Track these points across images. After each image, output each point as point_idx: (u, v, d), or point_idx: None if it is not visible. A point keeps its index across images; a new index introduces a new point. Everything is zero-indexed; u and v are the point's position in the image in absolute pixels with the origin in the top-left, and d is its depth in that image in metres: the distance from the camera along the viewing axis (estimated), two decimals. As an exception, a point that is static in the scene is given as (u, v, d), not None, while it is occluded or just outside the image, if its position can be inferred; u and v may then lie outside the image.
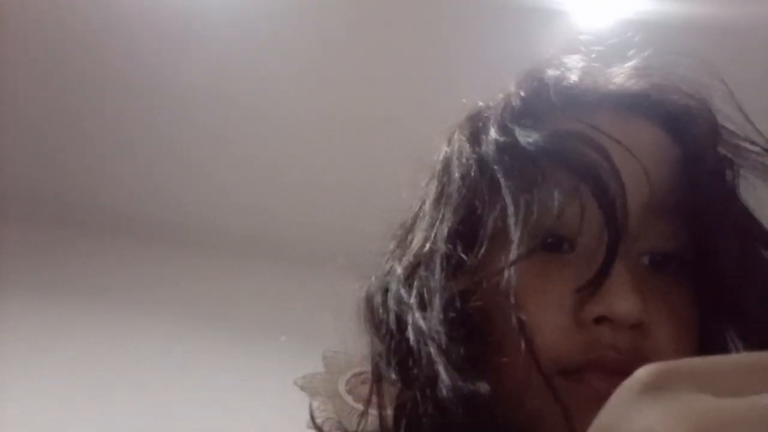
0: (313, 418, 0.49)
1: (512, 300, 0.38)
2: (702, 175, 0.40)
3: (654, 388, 0.21)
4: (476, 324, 0.40)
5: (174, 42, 1.84)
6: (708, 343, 0.41)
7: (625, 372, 0.34)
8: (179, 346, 2.05)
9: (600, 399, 0.33)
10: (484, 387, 0.37)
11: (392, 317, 0.43)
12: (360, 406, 0.46)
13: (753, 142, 0.42)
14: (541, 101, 0.43)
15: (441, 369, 0.38)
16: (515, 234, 0.39)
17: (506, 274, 0.38)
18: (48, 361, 1.95)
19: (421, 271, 0.43)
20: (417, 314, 0.41)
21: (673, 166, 0.40)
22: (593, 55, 0.47)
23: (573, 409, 0.36)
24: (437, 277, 0.41)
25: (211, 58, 1.87)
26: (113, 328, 2.06)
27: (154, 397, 1.91)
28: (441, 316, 0.40)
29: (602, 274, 0.37)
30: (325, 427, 0.47)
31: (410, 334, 0.41)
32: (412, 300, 0.42)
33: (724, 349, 0.41)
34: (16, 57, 1.92)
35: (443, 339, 0.39)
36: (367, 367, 0.45)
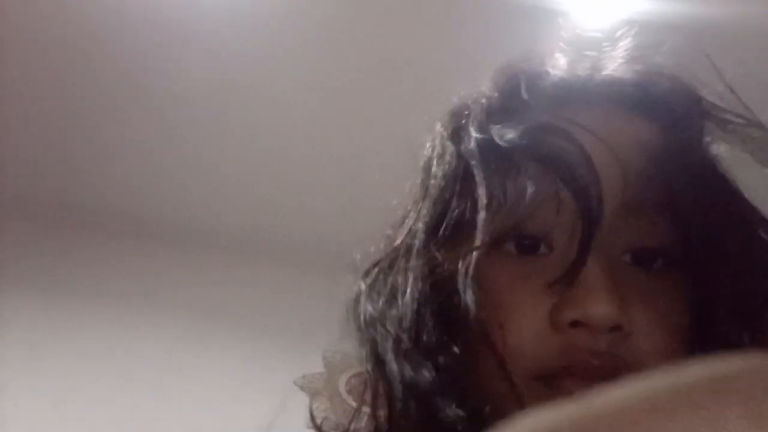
0: (312, 417, 0.49)
1: (470, 285, 0.37)
2: (686, 164, 0.38)
3: None
4: (447, 322, 0.39)
5: (176, 41, 1.84)
6: (707, 337, 0.39)
7: (603, 377, 0.35)
8: (179, 345, 2.05)
9: None
10: (426, 376, 0.37)
11: (364, 317, 0.43)
12: (359, 406, 0.46)
13: (740, 116, 0.41)
14: (513, 98, 0.43)
15: (389, 358, 0.38)
16: (482, 221, 0.38)
17: (467, 259, 0.37)
18: (48, 361, 1.95)
19: (399, 264, 0.42)
20: (377, 306, 0.41)
21: (655, 155, 0.38)
22: (578, 50, 0.46)
23: None
24: (416, 273, 0.41)
25: (212, 58, 1.87)
26: (113, 328, 2.06)
27: (153, 397, 1.91)
28: (406, 309, 0.39)
29: (575, 267, 0.36)
30: (324, 427, 0.47)
31: (377, 329, 0.41)
32: (383, 297, 0.41)
33: (726, 344, 0.39)
34: (17, 57, 1.92)
35: (394, 330, 0.39)
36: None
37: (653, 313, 0.37)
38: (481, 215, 0.38)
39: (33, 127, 2.11)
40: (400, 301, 0.40)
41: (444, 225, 0.41)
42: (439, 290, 0.39)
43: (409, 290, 0.40)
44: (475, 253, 0.38)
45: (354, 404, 0.45)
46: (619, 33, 0.45)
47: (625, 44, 0.44)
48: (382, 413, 0.42)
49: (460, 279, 0.37)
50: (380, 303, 0.41)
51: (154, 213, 2.26)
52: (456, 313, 0.38)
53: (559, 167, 0.38)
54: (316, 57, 1.84)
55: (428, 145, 0.47)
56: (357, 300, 0.45)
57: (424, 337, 0.38)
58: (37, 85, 2.00)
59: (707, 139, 0.41)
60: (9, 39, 1.88)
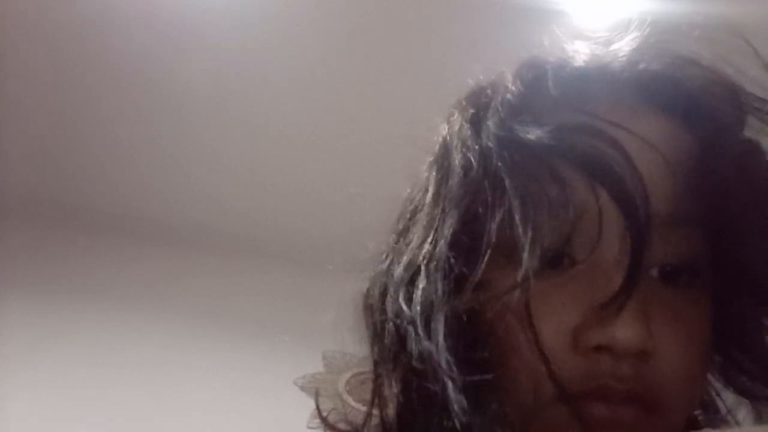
0: (319, 410, 0.48)
1: (526, 318, 0.34)
2: (724, 172, 0.35)
3: None
4: (481, 345, 0.36)
5: (173, 45, 1.84)
6: (731, 350, 0.39)
7: (626, 401, 0.34)
8: (179, 346, 2.05)
9: (602, 427, 0.34)
10: (497, 411, 0.35)
11: (391, 327, 0.39)
12: (360, 406, 0.46)
13: None
14: (539, 94, 0.38)
15: (451, 395, 0.34)
16: (525, 244, 0.34)
17: (516, 292, 0.34)
18: (48, 361, 1.94)
19: (421, 282, 0.38)
20: (420, 332, 0.37)
21: (690, 163, 0.35)
22: (598, 40, 0.42)
23: None
24: (439, 293, 0.37)
25: (208, 62, 1.87)
26: (113, 328, 2.06)
27: (153, 397, 1.91)
28: (445, 341, 0.36)
29: (627, 290, 0.33)
30: (330, 419, 0.46)
31: (413, 352, 0.37)
32: (413, 314, 0.38)
33: (750, 356, 0.38)
34: (16, 58, 1.92)
35: (451, 366, 0.35)
36: (367, 367, 0.44)
37: (678, 331, 0.35)
38: (520, 233, 0.34)
39: (33, 127, 2.11)
40: (435, 331, 0.37)
41: (472, 234, 0.37)
42: (474, 317, 0.36)
43: (441, 317, 0.36)
44: (526, 283, 0.34)
45: (354, 404, 0.45)
46: (632, 27, 0.42)
47: (648, 34, 0.41)
48: (390, 412, 0.41)
49: (510, 312, 0.35)
50: (416, 326, 0.38)
51: (154, 213, 2.26)
52: (493, 340, 0.36)
53: (605, 178, 0.34)
54: (317, 57, 1.84)
55: (444, 130, 0.43)
56: (370, 302, 0.43)
57: (472, 372, 0.35)
58: (38, 85, 2.00)
59: (746, 135, 0.37)
60: (9, 39, 1.88)
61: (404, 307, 0.39)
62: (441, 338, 0.36)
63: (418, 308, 0.37)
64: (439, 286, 0.37)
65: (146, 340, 2.04)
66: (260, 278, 2.19)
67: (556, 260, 0.35)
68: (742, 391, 0.40)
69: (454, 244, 0.37)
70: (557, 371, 0.34)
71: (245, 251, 2.21)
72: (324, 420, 0.46)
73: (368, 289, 0.44)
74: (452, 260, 0.37)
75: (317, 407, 0.48)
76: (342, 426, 0.45)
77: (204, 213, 2.26)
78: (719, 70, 0.38)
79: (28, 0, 1.80)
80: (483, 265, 0.36)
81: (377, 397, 0.43)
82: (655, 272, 0.35)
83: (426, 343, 0.36)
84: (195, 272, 2.20)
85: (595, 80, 0.38)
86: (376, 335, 0.42)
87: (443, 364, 0.35)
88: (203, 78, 1.90)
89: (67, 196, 2.25)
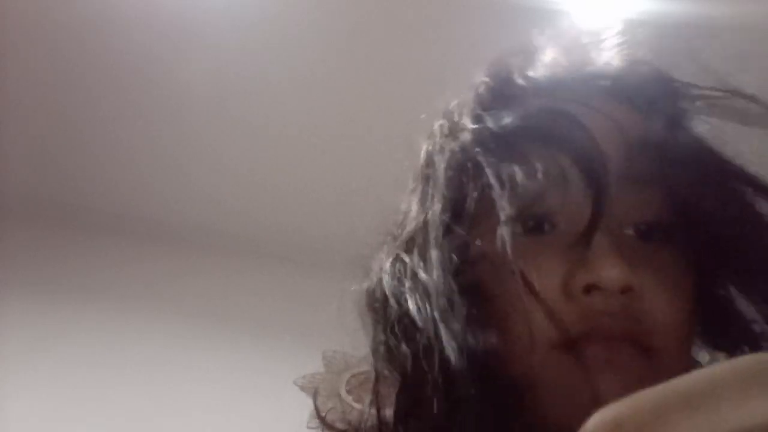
0: (318, 410, 0.49)
1: (510, 257, 0.38)
2: (670, 142, 0.41)
3: None
4: (474, 291, 0.40)
5: (173, 45, 1.84)
6: (710, 307, 0.42)
7: (621, 337, 0.38)
8: (179, 346, 2.05)
9: (600, 368, 0.37)
10: (490, 340, 0.38)
11: (391, 292, 0.43)
12: (360, 406, 0.46)
13: (716, 89, 0.43)
14: (508, 86, 0.45)
15: (443, 326, 0.38)
16: (501, 199, 0.39)
17: (499, 233, 0.38)
18: (48, 361, 1.95)
19: (418, 240, 0.44)
20: (419, 272, 0.41)
21: (642, 136, 0.41)
22: (565, 46, 0.48)
23: (574, 380, 0.37)
24: (432, 239, 0.42)
25: (208, 62, 1.87)
26: (113, 328, 2.06)
27: (153, 397, 1.91)
28: (441, 275, 0.40)
29: (590, 229, 0.38)
30: (329, 418, 0.47)
31: (410, 299, 0.41)
32: (411, 263, 0.42)
33: (727, 312, 0.42)
34: (16, 58, 1.92)
35: (444, 293, 0.39)
36: (367, 367, 0.45)
37: (661, 279, 0.39)
38: (497, 195, 0.39)
39: (33, 127, 2.11)
40: (426, 279, 0.41)
41: (459, 206, 0.42)
42: (467, 266, 0.40)
43: (435, 270, 0.41)
44: (506, 228, 0.38)
45: (353, 404, 0.46)
46: (607, 33, 0.47)
47: (611, 42, 0.46)
48: (387, 413, 0.42)
49: (498, 259, 0.39)
50: (405, 285, 0.42)
51: (154, 213, 2.26)
52: (483, 288, 0.40)
53: (568, 148, 0.40)
54: (317, 57, 1.84)
55: (426, 145, 0.49)
56: (371, 292, 0.46)
57: (455, 310, 0.39)
58: (38, 85, 2.00)
59: (690, 117, 0.44)
60: (9, 39, 1.88)
61: (399, 267, 0.43)
62: (437, 272, 0.40)
63: (416, 256, 0.43)
64: (432, 236, 0.42)
65: (146, 340, 2.04)
66: (260, 278, 2.19)
67: (538, 226, 0.40)
68: (717, 347, 0.44)
69: (443, 212, 0.43)
70: (557, 315, 0.37)
71: (245, 251, 2.21)
72: (322, 420, 0.47)
73: (369, 286, 0.47)
74: (443, 220, 0.42)
75: (315, 407, 0.49)
76: (340, 425, 0.46)
77: (204, 213, 2.26)
78: (657, 67, 0.45)
79: (28, 0, 1.80)
80: (472, 215, 0.41)
81: (376, 396, 0.43)
82: (630, 231, 0.40)
83: (423, 274, 0.41)
84: (195, 272, 2.20)
85: (553, 78, 0.44)
86: (377, 314, 0.45)
87: (436, 289, 0.39)
88: (203, 78, 1.90)
89: (67, 196, 2.25)
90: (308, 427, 0.49)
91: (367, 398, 0.44)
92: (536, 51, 0.47)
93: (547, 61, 0.46)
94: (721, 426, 0.19)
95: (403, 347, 0.41)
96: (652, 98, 0.43)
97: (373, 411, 0.43)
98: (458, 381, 0.37)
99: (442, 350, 0.38)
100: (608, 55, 0.46)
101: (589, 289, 0.37)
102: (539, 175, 0.39)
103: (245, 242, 2.23)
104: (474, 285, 0.40)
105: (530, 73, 0.44)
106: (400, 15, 1.73)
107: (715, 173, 0.41)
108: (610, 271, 0.37)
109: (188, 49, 1.85)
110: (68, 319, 2.05)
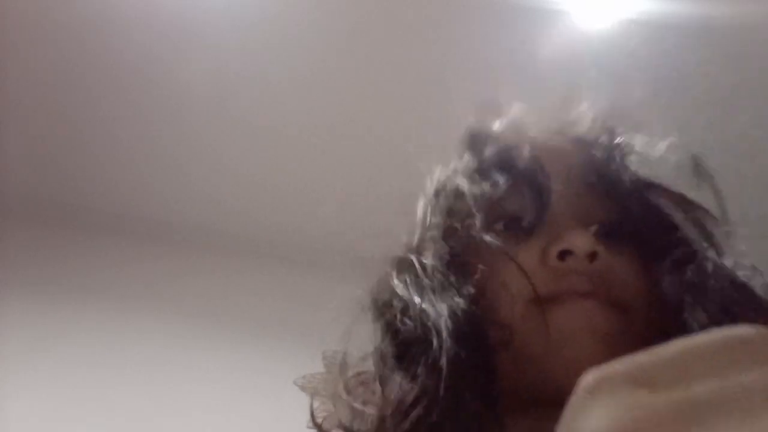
0: (313, 416, 0.50)
1: (486, 239, 0.48)
2: (602, 169, 0.52)
3: (597, 391, 0.22)
4: (465, 270, 0.48)
5: (173, 45, 1.84)
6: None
7: (593, 294, 0.46)
8: (179, 346, 2.05)
9: (572, 318, 0.45)
10: (467, 290, 0.47)
11: (396, 289, 0.50)
12: (360, 406, 0.46)
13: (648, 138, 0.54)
14: (482, 144, 0.57)
15: (438, 298, 0.46)
16: (478, 209, 0.50)
17: (477, 225, 0.49)
18: (48, 361, 1.95)
19: (419, 241, 0.54)
20: (418, 267, 0.50)
21: (581, 165, 0.52)
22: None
23: (554, 327, 0.44)
24: (430, 239, 0.52)
25: (208, 62, 1.87)
26: (113, 328, 2.06)
27: (153, 397, 1.91)
28: (438, 262, 0.50)
29: (540, 213, 0.48)
30: (325, 425, 0.48)
31: (413, 293, 0.49)
32: (412, 275, 0.51)
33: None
34: (16, 58, 1.92)
35: (439, 272, 0.49)
36: (367, 367, 0.45)
37: (622, 259, 0.47)
38: (474, 207, 0.50)
39: (33, 127, 2.11)
40: (430, 256, 0.51)
41: (455, 216, 0.53)
42: (458, 252, 0.50)
43: (434, 251, 0.51)
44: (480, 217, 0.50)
45: (354, 404, 0.47)
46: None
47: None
48: (387, 412, 0.44)
49: (483, 246, 0.48)
50: (411, 278, 0.50)
51: (154, 213, 2.26)
52: (470, 266, 0.48)
53: (518, 170, 0.51)
54: (317, 57, 1.84)
55: (432, 184, 0.59)
56: (377, 297, 0.52)
57: (449, 279, 0.48)
58: (38, 85, 2.00)
59: (624, 155, 0.54)
60: (9, 39, 1.88)
61: (411, 271, 0.51)
62: (434, 260, 0.50)
63: (417, 259, 0.51)
64: (432, 244, 0.52)
65: (146, 340, 2.04)
66: (260, 278, 2.19)
67: (514, 223, 0.50)
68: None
69: (440, 228, 0.53)
70: (531, 277, 0.46)
71: (245, 251, 2.22)
72: (317, 425, 0.51)
73: (374, 292, 0.53)
74: (440, 232, 0.52)
75: (311, 410, 0.53)
76: (336, 431, 0.50)
77: (204, 213, 2.26)
78: (600, 121, 0.57)
79: (28, 0, 1.80)
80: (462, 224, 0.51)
81: (376, 396, 0.44)
82: (594, 229, 0.48)
83: (426, 261, 0.50)
84: (195, 272, 2.20)
85: (515, 144, 0.55)
86: (383, 313, 0.51)
87: (432, 271, 0.49)
88: (203, 78, 1.91)
89: (67, 196, 2.25)
90: (308, 428, 0.50)
91: (367, 398, 0.45)
92: (503, 108, 0.58)
93: (509, 130, 0.57)
94: (707, 385, 0.21)
95: (404, 329, 0.47)
96: (590, 142, 0.54)
97: (373, 411, 0.44)
98: (451, 341, 0.44)
99: (437, 325, 0.45)
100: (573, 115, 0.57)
101: (562, 255, 0.46)
102: (501, 188, 0.50)
103: (245, 242, 2.23)
104: (464, 265, 0.48)
105: (496, 149, 0.55)
106: (400, 15, 1.73)
107: (638, 189, 0.51)
108: (579, 238, 0.46)
109: (188, 49, 1.85)
110: (68, 319, 2.05)
